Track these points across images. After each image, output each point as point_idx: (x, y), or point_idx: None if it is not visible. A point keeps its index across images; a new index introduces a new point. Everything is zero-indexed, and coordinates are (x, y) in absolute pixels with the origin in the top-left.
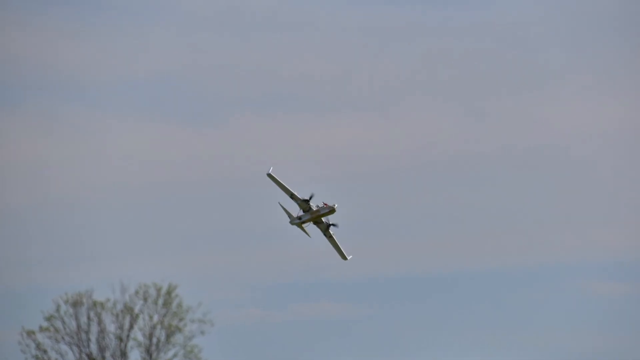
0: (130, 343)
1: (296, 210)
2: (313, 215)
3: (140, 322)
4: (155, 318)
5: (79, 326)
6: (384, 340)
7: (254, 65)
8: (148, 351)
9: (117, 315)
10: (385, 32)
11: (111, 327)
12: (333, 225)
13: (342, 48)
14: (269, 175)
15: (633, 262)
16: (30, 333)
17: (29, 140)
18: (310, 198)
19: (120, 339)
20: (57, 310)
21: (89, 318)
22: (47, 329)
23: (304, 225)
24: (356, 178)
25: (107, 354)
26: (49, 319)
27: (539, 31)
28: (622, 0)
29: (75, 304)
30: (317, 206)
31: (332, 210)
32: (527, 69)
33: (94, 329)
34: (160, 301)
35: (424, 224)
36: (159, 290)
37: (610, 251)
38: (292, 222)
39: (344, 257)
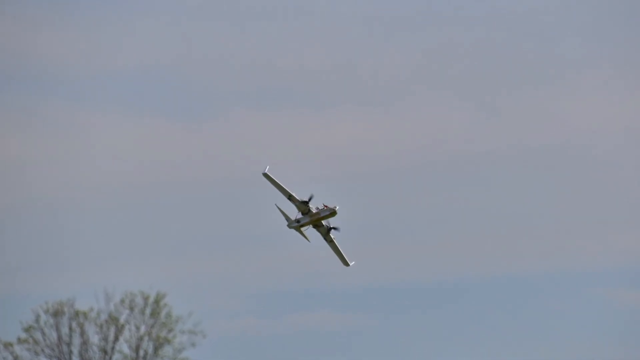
0: (116, 356)
1: (294, 213)
2: (312, 218)
3: (126, 333)
4: (143, 329)
5: (60, 338)
6: (389, 352)
7: (249, 57)
8: None
9: (101, 326)
10: (391, 21)
11: (95, 339)
12: (334, 228)
13: (344, 38)
14: (265, 175)
15: None
16: (7, 345)
17: (5, 138)
18: (310, 199)
19: (105, 352)
20: (37, 320)
21: (70, 329)
22: (25, 341)
23: (302, 229)
24: (359, 178)
25: None
26: (27, 329)
27: (556, 21)
28: None
29: (56, 313)
30: (317, 208)
31: (333, 213)
32: (542, 62)
33: (76, 340)
34: (148, 311)
35: (431, 227)
36: (146, 298)
37: (634, 256)
38: (290, 226)
39: (346, 263)
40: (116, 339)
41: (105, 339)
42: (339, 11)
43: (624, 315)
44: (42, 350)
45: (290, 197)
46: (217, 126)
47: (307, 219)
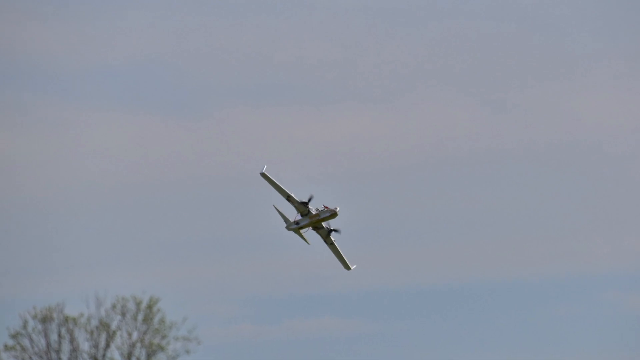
0: None
1: (293, 214)
2: (312, 220)
3: (118, 340)
4: (135, 335)
5: (48, 344)
6: (392, 359)
7: (246, 51)
8: None
9: (91, 332)
10: (393, 14)
11: (85, 346)
12: (335, 230)
13: (345, 31)
14: (263, 174)
15: None
16: None
17: None
18: (309, 200)
19: (96, 359)
20: (24, 326)
21: (60, 335)
22: (13, 348)
23: (302, 231)
24: (360, 178)
25: None
26: (15, 336)
27: (566, 14)
28: None
29: (45, 319)
30: (317, 209)
31: (333, 214)
32: (553, 55)
33: (66, 347)
34: (140, 316)
35: (436, 229)
36: (138, 304)
37: None
38: (288, 228)
39: (347, 267)
40: (107, 346)
41: (96, 346)
42: (340, 5)
43: (635, 319)
44: (30, 357)
45: (289, 198)
46: (211, 123)
47: (306, 221)
